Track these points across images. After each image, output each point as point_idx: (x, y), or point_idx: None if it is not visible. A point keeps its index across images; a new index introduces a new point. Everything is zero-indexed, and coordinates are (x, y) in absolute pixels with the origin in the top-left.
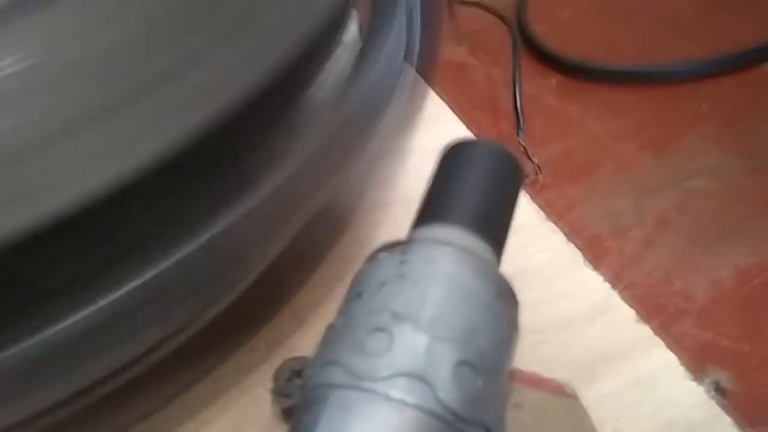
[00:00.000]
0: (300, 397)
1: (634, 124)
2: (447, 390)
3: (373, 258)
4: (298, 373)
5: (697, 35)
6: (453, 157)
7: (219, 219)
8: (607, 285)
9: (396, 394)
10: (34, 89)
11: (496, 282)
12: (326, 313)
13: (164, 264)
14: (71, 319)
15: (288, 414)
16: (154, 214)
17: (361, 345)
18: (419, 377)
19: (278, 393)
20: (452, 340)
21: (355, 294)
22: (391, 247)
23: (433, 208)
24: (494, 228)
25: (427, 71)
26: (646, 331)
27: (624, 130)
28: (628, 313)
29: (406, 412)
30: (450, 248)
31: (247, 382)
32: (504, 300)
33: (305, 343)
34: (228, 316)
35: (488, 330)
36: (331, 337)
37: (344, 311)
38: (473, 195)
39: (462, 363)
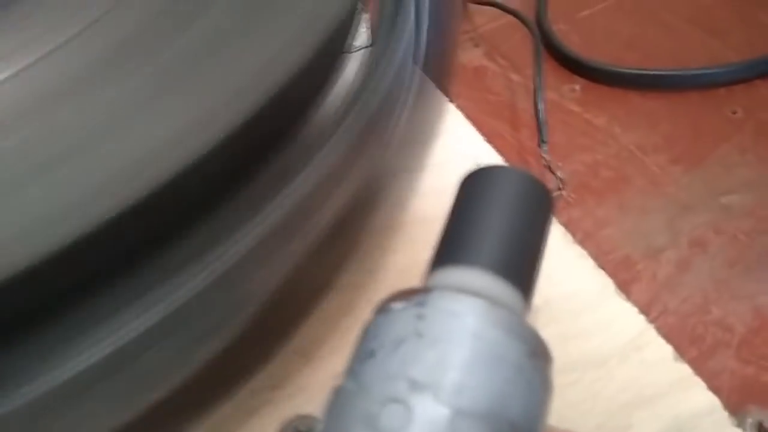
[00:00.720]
0: None
1: (665, 134)
2: None
3: (385, 308)
4: None
5: (731, 36)
6: (474, 186)
7: (219, 247)
8: (642, 318)
9: None
10: None
11: (528, 339)
12: (334, 349)
13: (158, 301)
14: (60, 370)
15: None
16: (146, 247)
17: (374, 419)
18: None
19: None
20: (479, 413)
21: (366, 352)
22: (406, 295)
23: (452, 247)
24: (523, 270)
25: (442, 78)
26: (684, 370)
27: (654, 140)
28: (665, 349)
29: None
30: (474, 300)
31: (249, 428)
32: (537, 359)
33: (312, 381)
34: (226, 354)
35: (520, 397)
36: (340, 404)
37: (354, 372)
38: (498, 231)
39: None
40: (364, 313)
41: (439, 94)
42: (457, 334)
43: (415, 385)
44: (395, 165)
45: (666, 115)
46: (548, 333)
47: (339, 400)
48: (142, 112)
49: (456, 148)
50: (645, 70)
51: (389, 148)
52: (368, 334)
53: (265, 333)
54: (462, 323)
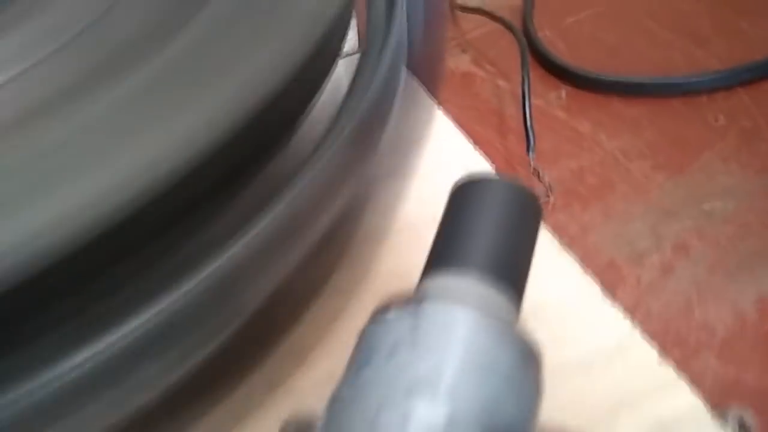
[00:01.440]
0: None
1: (649, 141)
2: None
3: (379, 317)
4: None
5: (713, 44)
6: (467, 194)
7: (211, 255)
8: (627, 322)
9: None
10: None
11: (519, 347)
12: (326, 351)
13: (153, 305)
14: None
15: None
16: (140, 252)
17: (372, 422)
18: None
19: None
20: (473, 417)
21: (362, 359)
22: (400, 303)
23: (445, 253)
24: (514, 276)
25: (431, 83)
26: (668, 372)
27: (638, 147)
28: (649, 353)
29: None
30: (466, 309)
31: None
32: (528, 366)
33: (305, 384)
34: (219, 358)
35: (512, 402)
36: (338, 410)
37: (351, 379)
38: (490, 238)
39: None
40: (354, 316)
41: (428, 99)
42: (450, 344)
43: (411, 391)
44: (384, 171)
45: (649, 122)
46: (538, 337)
47: (337, 406)
48: (131, 120)
49: (444, 154)
50: (629, 77)
51: (378, 153)
52: (364, 341)
53: (258, 337)
54: (455, 333)
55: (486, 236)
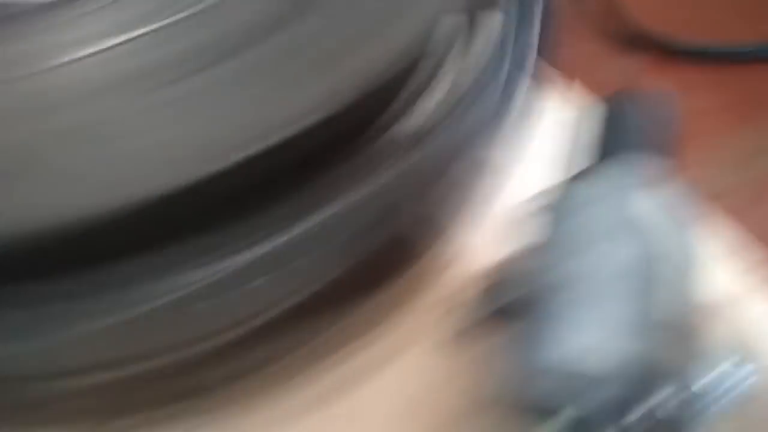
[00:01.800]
0: (514, 303)
1: (722, 101)
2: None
3: (577, 180)
4: (504, 283)
5: None
6: (618, 106)
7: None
8: (716, 240)
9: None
10: None
11: (679, 211)
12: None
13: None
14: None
15: (469, 332)
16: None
17: (580, 249)
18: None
19: (483, 301)
20: (657, 254)
21: (559, 216)
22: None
23: (610, 149)
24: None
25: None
26: (754, 282)
27: (712, 105)
28: (737, 265)
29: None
30: (640, 183)
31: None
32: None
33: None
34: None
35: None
36: (545, 247)
37: (550, 232)
38: (641, 139)
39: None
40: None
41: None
42: (633, 200)
43: (614, 232)
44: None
45: (723, 84)
46: None
47: (541, 248)
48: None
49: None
50: (703, 45)
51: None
52: (564, 199)
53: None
54: (635, 193)
55: (636, 137)
